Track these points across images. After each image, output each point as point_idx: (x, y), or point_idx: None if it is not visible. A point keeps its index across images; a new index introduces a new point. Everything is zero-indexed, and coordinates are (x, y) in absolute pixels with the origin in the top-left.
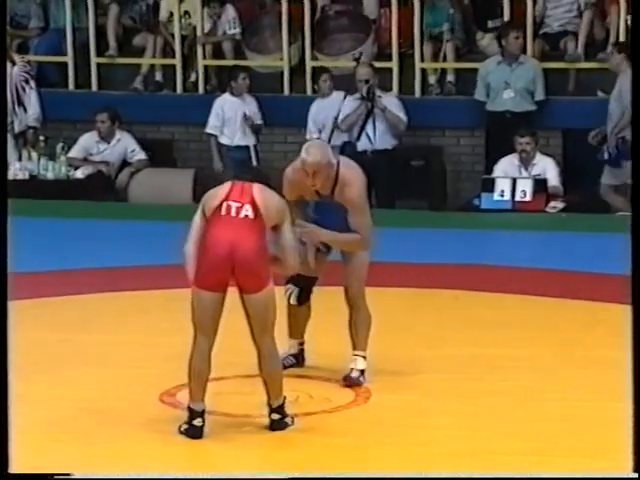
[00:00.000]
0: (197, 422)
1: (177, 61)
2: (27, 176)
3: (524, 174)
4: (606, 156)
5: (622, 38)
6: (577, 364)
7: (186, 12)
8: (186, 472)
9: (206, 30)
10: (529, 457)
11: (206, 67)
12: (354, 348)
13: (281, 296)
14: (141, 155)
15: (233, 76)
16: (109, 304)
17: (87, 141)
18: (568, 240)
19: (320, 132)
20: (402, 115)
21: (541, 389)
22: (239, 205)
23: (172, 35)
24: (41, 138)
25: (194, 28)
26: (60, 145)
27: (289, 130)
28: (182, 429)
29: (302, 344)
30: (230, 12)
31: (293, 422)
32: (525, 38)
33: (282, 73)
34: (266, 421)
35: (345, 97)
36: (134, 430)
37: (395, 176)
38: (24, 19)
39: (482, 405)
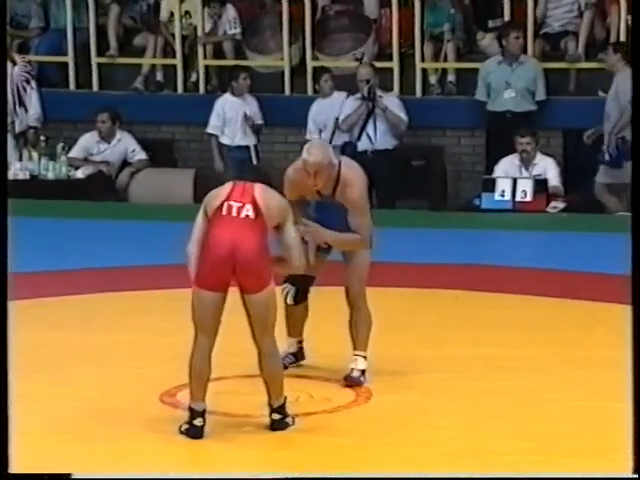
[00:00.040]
0: (198, 422)
1: (178, 61)
2: (28, 176)
3: (525, 174)
4: (607, 157)
5: (623, 38)
6: (577, 364)
7: (187, 12)
8: (186, 472)
9: (207, 30)
10: (529, 457)
11: (207, 67)
12: (354, 348)
13: (279, 295)
14: (141, 155)
15: (234, 76)
16: (109, 304)
17: (88, 141)
18: (568, 240)
19: (320, 132)
20: (403, 115)
21: (541, 389)
22: (240, 205)
23: (173, 35)
24: (42, 138)
25: (195, 28)
26: (61, 145)
27: (290, 130)
28: (183, 429)
29: (301, 342)
30: (231, 12)
31: (294, 422)
32: (526, 38)
33: (283, 73)
34: (267, 421)
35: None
36: (134, 430)
37: (396, 176)
38: (25, 19)
39: (482, 405)
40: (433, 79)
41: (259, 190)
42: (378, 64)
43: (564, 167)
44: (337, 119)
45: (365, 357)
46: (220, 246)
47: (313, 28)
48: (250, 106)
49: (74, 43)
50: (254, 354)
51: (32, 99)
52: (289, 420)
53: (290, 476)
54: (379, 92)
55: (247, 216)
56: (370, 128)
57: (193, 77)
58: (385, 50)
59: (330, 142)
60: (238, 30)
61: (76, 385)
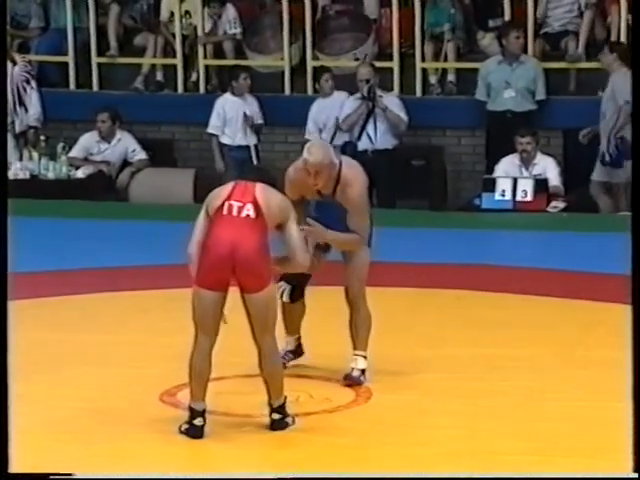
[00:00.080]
0: (198, 422)
1: (178, 61)
2: (28, 176)
3: (525, 174)
4: (607, 158)
5: (623, 38)
6: (577, 364)
7: (187, 12)
8: (187, 472)
9: (207, 30)
10: (529, 457)
11: (207, 67)
12: (354, 348)
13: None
14: (142, 155)
15: (234, 76)
16: (109, 304)
17: (88, 141)
18: (569, 240)
19: (321, 132)
20: (403, 115)
21: (541, 389)
22: (241, 205)
23: (173, 35)
24: (42, 138)
25: (195, 28)
26: (61, 145)
27: (290, 130)
28: (183, 429)
29: (299, 339)
30: (231, 12)
31: (294, 422)
32: (526, 38)
33: (283, 73)
34: (267, 421)
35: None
36: (134, 430)
37: (396, 176)
38: (25, 19)
39: (482, 405)
40: (433, 79)
41: (260, 190)
42: (378, 64)
43: (564, 167)
44: (337, 119)
45: (365, 357)
46: (220, 246)
47: (313, 28)
48: (250, 106)
49: (74, 43)
50: (254, 354)
51: (32, 99)
52: (289, 420)
53: (290, 476)
54: (379, 92)
55: (248, 216)
56: (370, 128)
57: (193, 77)
58: (385, 50)
59: (331, 142)
60: (238, 30)
61: (76, 385)
